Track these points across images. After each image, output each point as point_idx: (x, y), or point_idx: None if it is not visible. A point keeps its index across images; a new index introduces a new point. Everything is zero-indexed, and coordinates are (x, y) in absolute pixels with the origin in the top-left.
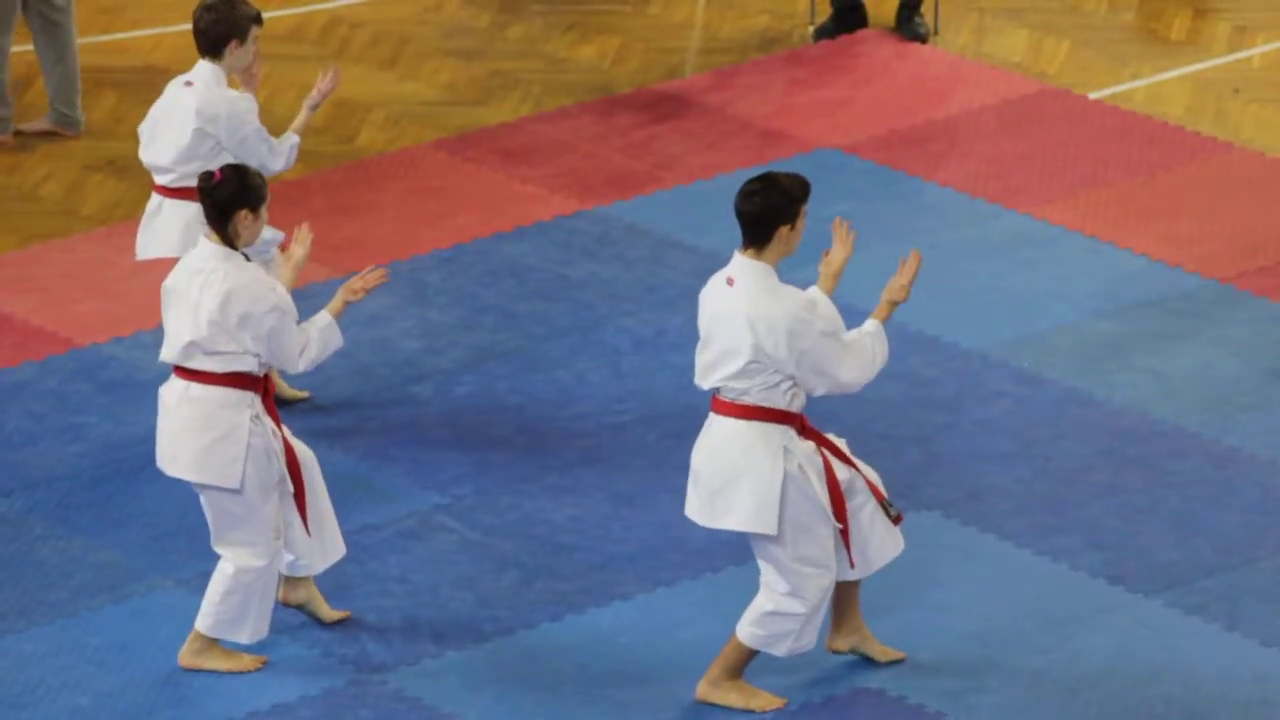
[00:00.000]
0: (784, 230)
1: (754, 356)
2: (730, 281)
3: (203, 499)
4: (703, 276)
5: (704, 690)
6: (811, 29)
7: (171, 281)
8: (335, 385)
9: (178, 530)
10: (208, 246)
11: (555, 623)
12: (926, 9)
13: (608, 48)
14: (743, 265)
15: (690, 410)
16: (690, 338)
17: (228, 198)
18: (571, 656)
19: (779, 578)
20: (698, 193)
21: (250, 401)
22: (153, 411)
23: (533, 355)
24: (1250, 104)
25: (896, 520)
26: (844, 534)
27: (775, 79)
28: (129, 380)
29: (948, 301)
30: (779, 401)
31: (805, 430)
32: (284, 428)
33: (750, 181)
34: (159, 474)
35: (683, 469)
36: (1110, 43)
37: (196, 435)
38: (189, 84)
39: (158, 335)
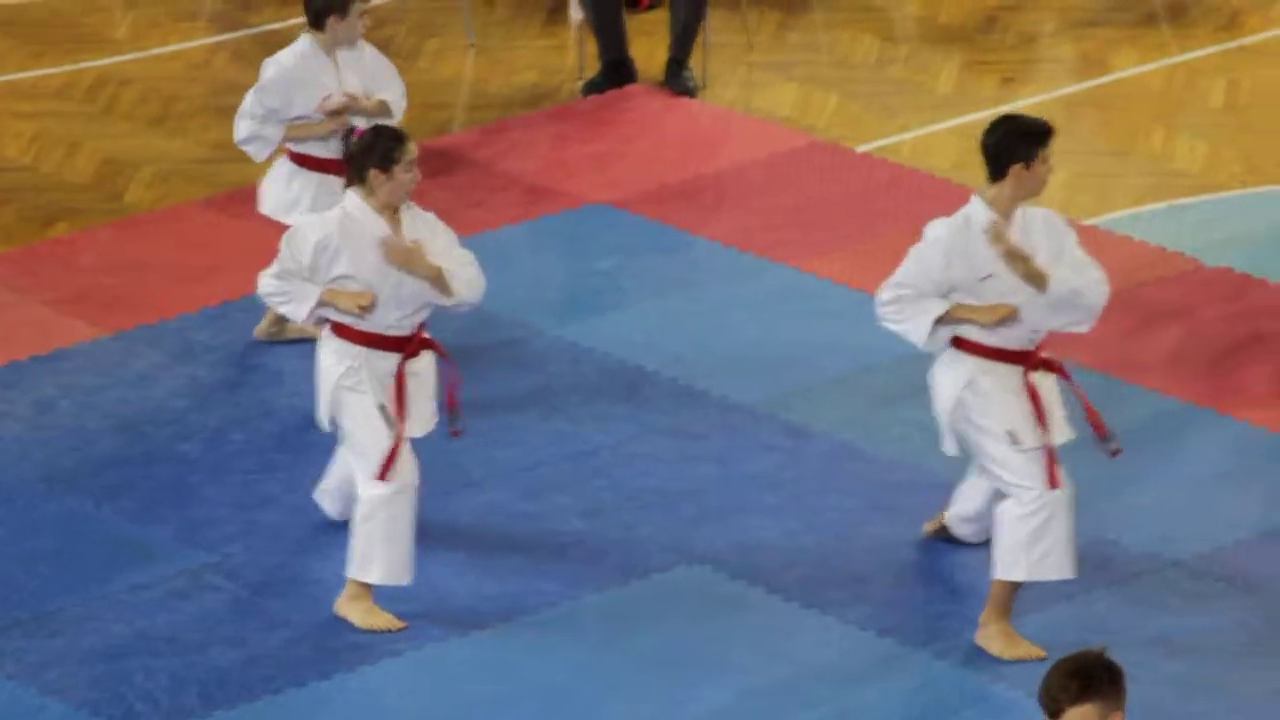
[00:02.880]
0: (1018, 168)
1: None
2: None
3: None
4: (471, 333)
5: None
6: (580, 84)
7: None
8: (103, 444)
9: None
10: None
11: (325, 681)
12: (695, 63)
13: None
14: (971, 202)
15: (454, 469)
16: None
17: (360, 155)
18: (341, 714)
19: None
20: (466, 248)
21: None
22: None
23: (302, 413)
24: None
25: (1114, 454)
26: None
27: (544, 134)
28: None
29: (717, 356)
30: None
31: (1033, 364)
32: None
33: (995, 119)
34: None
35: (439, 523)
36: (878, 95)
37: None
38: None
39: None
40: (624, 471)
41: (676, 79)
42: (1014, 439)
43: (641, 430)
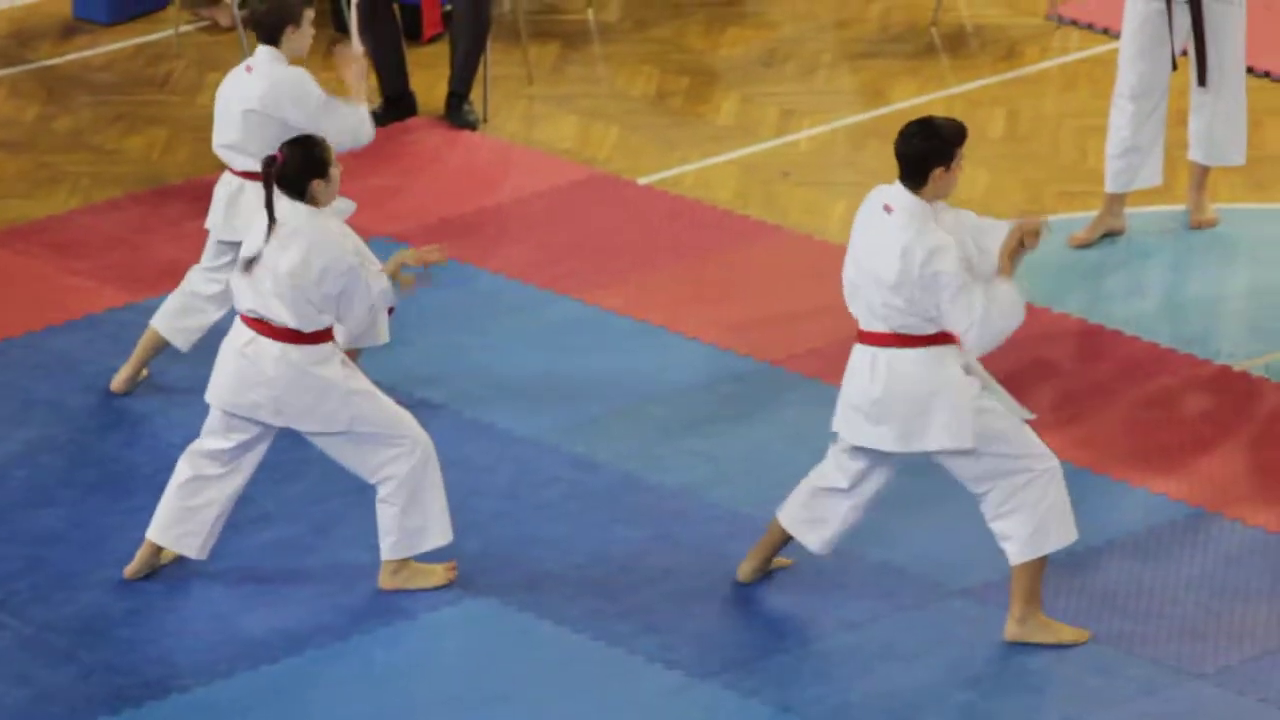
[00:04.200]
0: (939, 171)
1: (898, 286)
2: (888, 209)
3: (327, 447)
4: None
5: (1013, 631)
6: None
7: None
8: None
9: None
10: (293, 205)
11: (113, 717)
12: (476, 96)
13: (156, 139)
14: (902, 196)
15: (245, 502)
16: None
17: (295, 174)
18: None
19: (1005, 480)
20: None
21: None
22: None
23: (85, 448)
24: (798, 187)
25: None
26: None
27: None
28: None
29: (501, 388)
30: (932, 327)
31: None
32: None
33: (909, 124)
34: None
35: (229, 557)
36: (658, 128)
37: (303, 394)
38: (249, 69)
39: None
40: None
41: (457, 112)
42: (1020, 414)
43: None
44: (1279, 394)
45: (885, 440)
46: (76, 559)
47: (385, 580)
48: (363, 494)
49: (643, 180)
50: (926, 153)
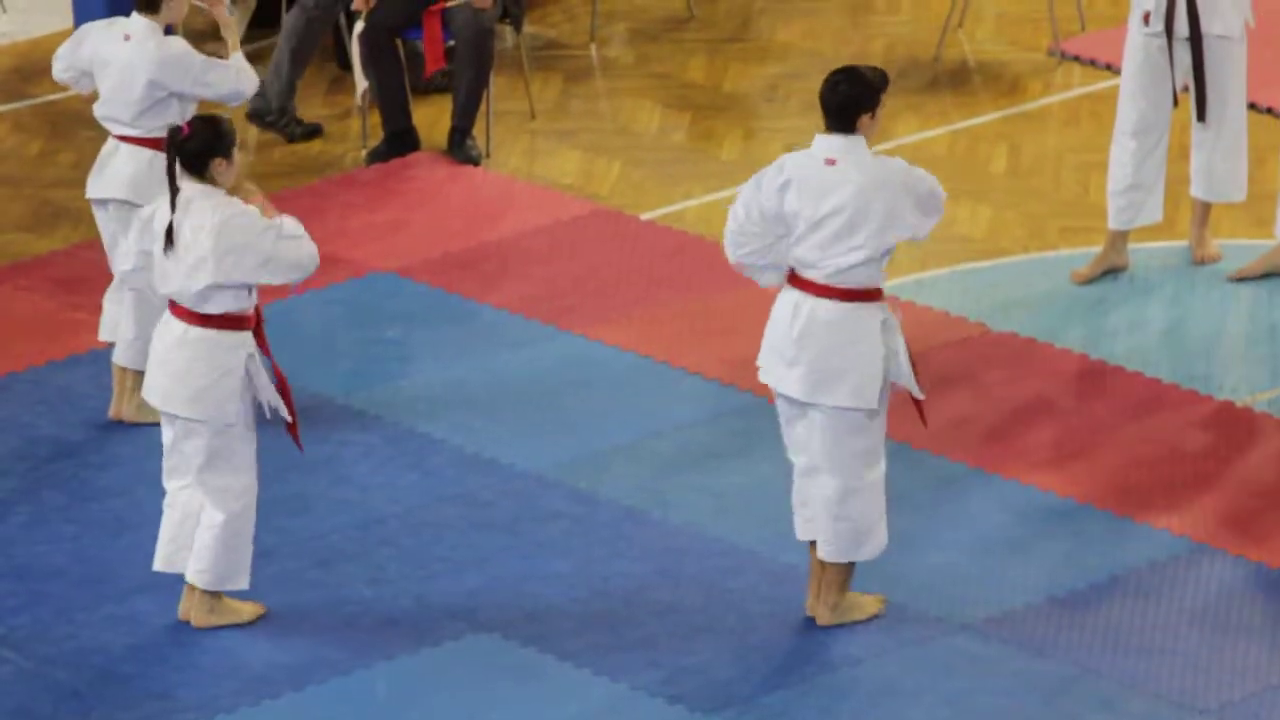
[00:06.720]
0: (865, 118)
1: (888, 225)
2: (832, 161)
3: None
4: None
5: (828, 617)
6: (364, 152)
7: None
8: None
9: None
10: (193, 186)
11: None
12: (479, 131)
13: None
14: (840, 143)
15: None
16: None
17: (200, 148)
18: None
19: (842, 474)
20: None
21: (244, 341)
22: None
23: (88, 483)
24: None
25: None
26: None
27: (328, 203)
28: None
29: (503, 423)
30: (879, 279)
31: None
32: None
33: (834, 72)
34: None
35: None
36: (661, 163)
37: (197, 376)
38: (127, 37)
39: None
40: (412, 540)
41: (460, 147)
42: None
43: (429, 499)
44: None
45: (792, 388)
46: (78, 594)
47: (201, 618)
48: (364, 529)
49: (645, 216)
50: (854, 99)
